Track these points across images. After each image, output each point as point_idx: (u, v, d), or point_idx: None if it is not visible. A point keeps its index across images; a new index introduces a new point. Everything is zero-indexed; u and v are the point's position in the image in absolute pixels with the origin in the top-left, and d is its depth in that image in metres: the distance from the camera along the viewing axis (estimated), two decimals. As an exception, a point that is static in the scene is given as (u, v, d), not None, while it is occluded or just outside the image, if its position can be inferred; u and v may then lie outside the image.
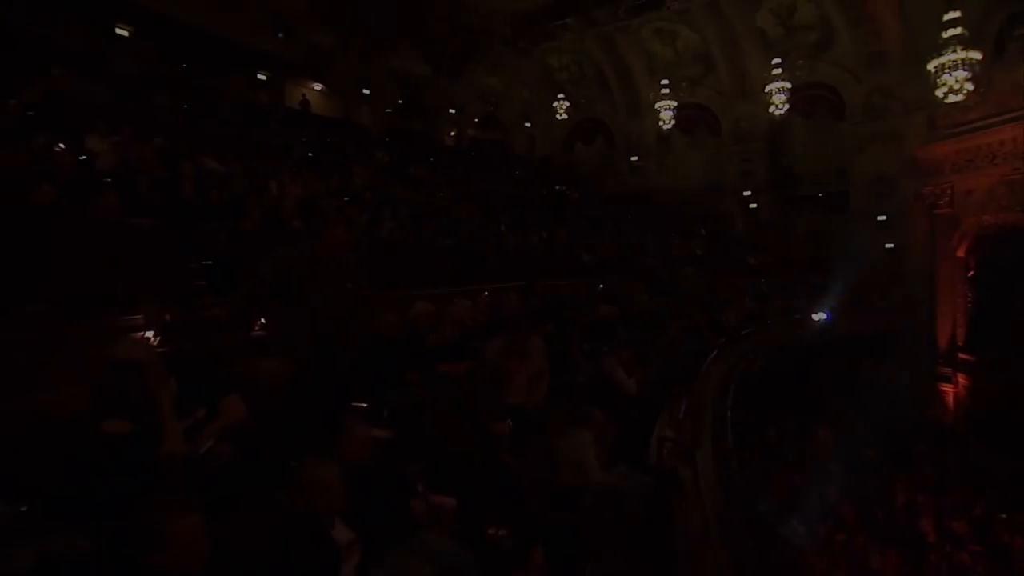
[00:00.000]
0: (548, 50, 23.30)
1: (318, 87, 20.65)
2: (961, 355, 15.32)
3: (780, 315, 12.98)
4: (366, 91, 21.20)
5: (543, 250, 11.91)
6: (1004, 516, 10.03)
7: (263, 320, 4.71)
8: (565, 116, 24.88)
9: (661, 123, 21.13)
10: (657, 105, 20.81)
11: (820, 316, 13.19)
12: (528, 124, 26.44)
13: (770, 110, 18.67)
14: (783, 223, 21.13)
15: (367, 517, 2.30)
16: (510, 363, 3.66)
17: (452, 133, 25.12)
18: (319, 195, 8.00)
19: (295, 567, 1.93)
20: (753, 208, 21.91)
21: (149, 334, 4.20)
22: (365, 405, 3.95)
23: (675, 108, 20.71)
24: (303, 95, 19.75)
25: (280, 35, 17.03)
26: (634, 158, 24.75)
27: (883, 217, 18.25)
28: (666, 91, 20.56)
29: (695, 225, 19.88)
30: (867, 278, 16.40)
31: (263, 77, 18.46)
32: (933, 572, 8.42)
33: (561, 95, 24.48)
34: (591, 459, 3.81)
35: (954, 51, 14.00)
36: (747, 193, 21.90)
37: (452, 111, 24.42)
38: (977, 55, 13.99)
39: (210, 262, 5.15)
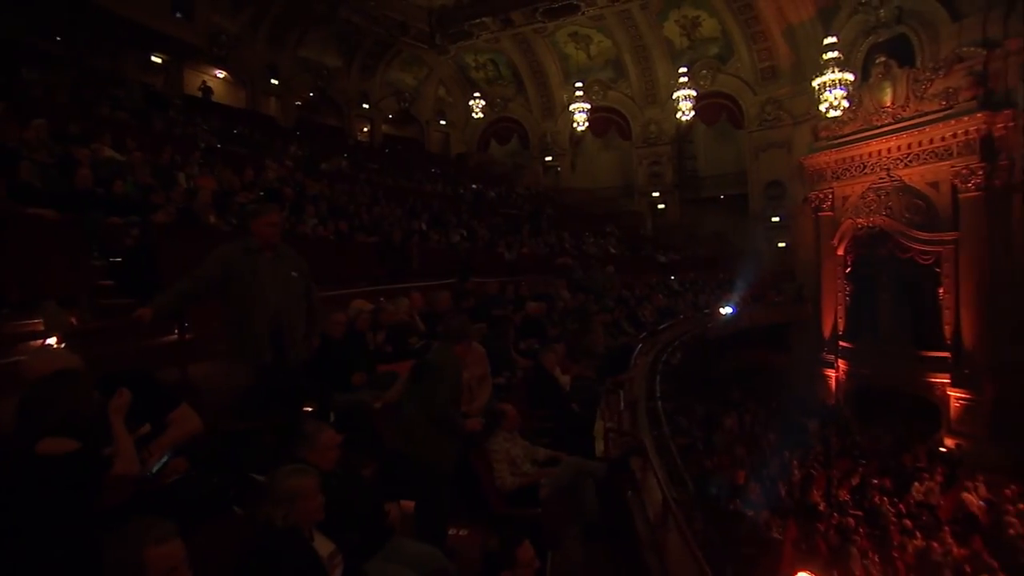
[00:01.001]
0: (464, 48, 23.20)
1: (221, 74, 19.19)
2: (841, 343, 17.13)
3: (691, 310, 13.81)
4: (274, 81, 20.01)
5: (465, 248, 11.85)
6: (875, 481, 11.61)
7: (186, 324, 4.33)
8: (481, 115, 25.00)
9: (575, 125, 21.76)
10: (571, 107, 21.40)
11: (727, 310, 14.19)
12: (443, 122, 26.23)
13: (677, 116, 19.85)
14: (690, 223, 22.50)
15: (344, 526, 2.18)
16: (459, 347, 3.58)
17: (365, 129, 24.39)
18: (234, 189, 7.45)
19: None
20: (661, 208, 23.14)
21: (51, 341, 3.71)
22: (311, 409, 3.76)
23: (588, 111, 21.39)
24: (203, 82, 18.31)
25: (178, 15, 15.49)
26: (548, 158, 25.29)
27: (776, 219, 20.01)
28: (579, 94, 21.17)
29: (607, 224, 20.68)
30: (764, 275, 17.91)
31: (158, 60, 16.84)
32: (823, 537, 9.38)
33: (477, 94, 24.54)
34: (500, 465, 3.81)
35: (832, 71, 15.67)
36: (655, 194, 23.06)
37: (365, 106, 23.70)
38: (850, 76, 15.76)
39: (119, 259, 4.65)
